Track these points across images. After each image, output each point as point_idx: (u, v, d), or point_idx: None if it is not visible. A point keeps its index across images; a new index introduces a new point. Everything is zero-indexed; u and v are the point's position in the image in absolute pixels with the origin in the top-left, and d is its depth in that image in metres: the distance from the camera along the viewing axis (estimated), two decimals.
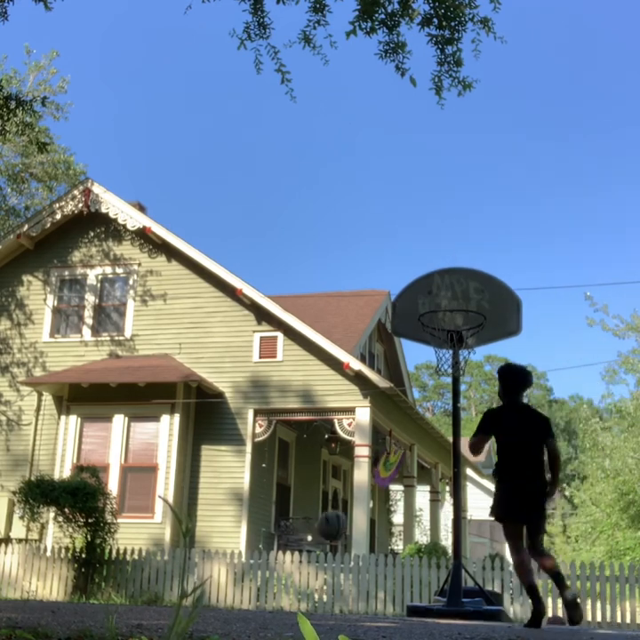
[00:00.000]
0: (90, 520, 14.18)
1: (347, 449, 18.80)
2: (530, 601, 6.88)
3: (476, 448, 7.10)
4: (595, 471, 30.67)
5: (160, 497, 16.00)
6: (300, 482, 19.55)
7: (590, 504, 30.86)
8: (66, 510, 14.05)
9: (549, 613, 12.42)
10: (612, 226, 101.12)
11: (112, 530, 14.42)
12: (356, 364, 16.53)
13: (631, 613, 12.26)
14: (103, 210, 18.46)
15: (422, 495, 23.04)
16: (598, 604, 12.46)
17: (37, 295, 18.89)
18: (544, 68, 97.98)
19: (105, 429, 16.92)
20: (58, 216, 18.76)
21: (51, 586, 14.34)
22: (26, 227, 19.02)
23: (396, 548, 25.76)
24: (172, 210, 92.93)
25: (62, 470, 16.47)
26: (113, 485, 16.05)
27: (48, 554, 14.67)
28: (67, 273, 18.95)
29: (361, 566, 13.43)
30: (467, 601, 8.72)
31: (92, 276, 18.75)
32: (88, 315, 18.51)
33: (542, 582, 12.54)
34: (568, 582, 12.82)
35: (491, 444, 23.82)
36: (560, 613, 12.47)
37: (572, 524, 38.47)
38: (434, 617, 8.16)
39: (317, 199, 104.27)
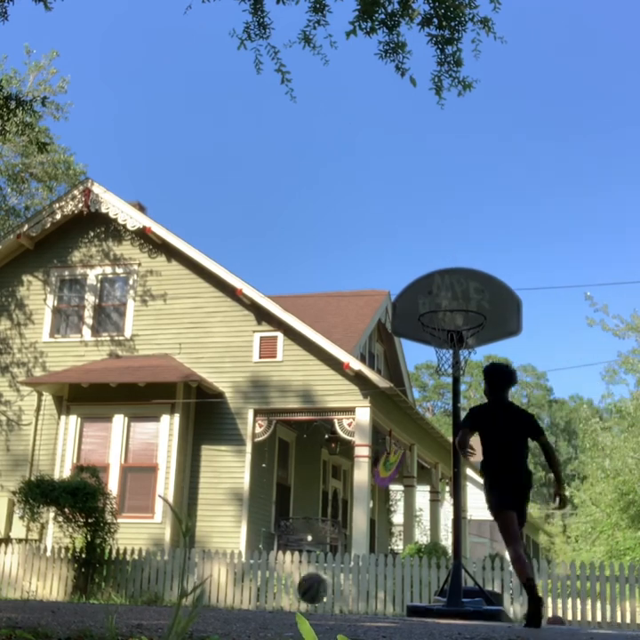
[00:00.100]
0: (90, 520, 14.18)
1: (347, 449, 18.80)
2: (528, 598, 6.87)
3: (464, 444, 7.31)
4: (595, 471, 30.65)
5: (160, 497, 16.00)
6: (300, 482, 19.55)
7: (590, 504, 30.84)
8: (66, 510, 14.06)
9: (549, 613, 12.42)
10: (612, 226, 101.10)
11: (112, 530, 14.43)
12: (356, 364, 16.53)
13: (631, 613, 12.26)
14: (103, 210, 18.46)
15: (422, 495, 23.05)
16: (598, 604, 12.46)
17: (37, 295, 18.90)
18: (544, 68, 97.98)
19: (105, 429, 16.92)
20: (58, 216, 18.76)
21: (51, 586, 14.34)
22: (26, 227, 19.02)
23: (395, 547, 25.77)
24: (172, 210, 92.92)
25: (62, 470, 16.47)
26: (113, 485, 16.05)
27: (48, 554, 14.68)
28: (67, 273, 18.96)
29: (361, 566, 13.44)
30: (467, 601, 8.73)
31: (92, 276, 18.75)
32: (88, 315, 18.52)
33: (542, 582, 12.55)
34: (568, 582, 12.82)
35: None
36: (560, 613, 12.48)
37: (572, 523, 38.47)
38: (434, 617, 8.16)
39: (317, 199, 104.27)
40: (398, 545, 25.49)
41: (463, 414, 8.27)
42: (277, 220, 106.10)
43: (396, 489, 25.03)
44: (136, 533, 15.71)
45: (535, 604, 6.62)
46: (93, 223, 18.85)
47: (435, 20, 7.38)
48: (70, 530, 14.26)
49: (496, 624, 7.20)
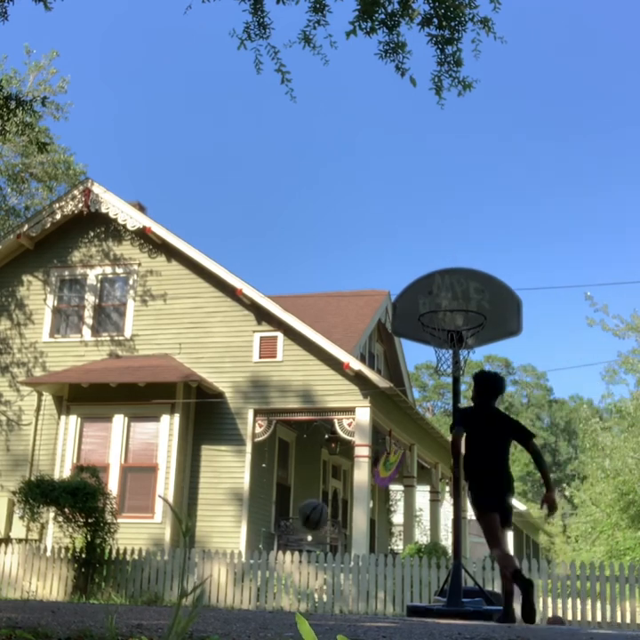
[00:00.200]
0: (90, 520, 14.18)
1: (347, 449, 18.80)
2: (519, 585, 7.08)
3: (458, 444, 7.69)
4: (595, 471, 30.64)
5: (160, 497, 16.00)
6: (300, 482, 19.55)
7: (590, 504, 30.83)
8: (66, 510, 14.05)
9: (549, 613, 12.43)
10: (612, 226, 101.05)
11: (112, 530, 14.42)
12: (356, 364, 16.54)
13: (631, 613, 12.25)
14: (103, 210, 18.46)
15: (422, 495, 23.05)
16: (598, 604, 12.46)
17: (37, 295, 18.90)
18: (544, 68, 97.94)
19: (105, 429, 16.92)
20: (58, 216, 18.76)
21: (51, 586, 14.34)
22: (26, 227, 19.03)
23: (395, 548, 25.78)
24: (172, 210, 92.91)
25: (62, 470, 16.47)
26: (113, 485, 16.06)
27: (48, 554, 14.67)
28: (67, 273, 18.96)
29: (361, 566, 13.44)
30: (467, 601, 8.72)
31: (92, 276, 18.75)
32: (88, 315, 18.52)
33: (542, 582, 12.56)
34: (568, 582, 12.82)
35: None
36: (560, 613, 12.48)
37: (572, 523, 38.43)
38: (434, 617, 8.15)
39: (317, 199, 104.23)
40: (398, 545, 25.50)
41: None
42: (277, 220, 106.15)
43: (396, 489, 25.04)
44: (136, 533, 15.71)
45: (528, 602, 6.85)
46: (93, 223, 18.85)
47: (435, 20, 7.38)
48: (70, 530, 14.26)
49: (496, 624, 7.20)
